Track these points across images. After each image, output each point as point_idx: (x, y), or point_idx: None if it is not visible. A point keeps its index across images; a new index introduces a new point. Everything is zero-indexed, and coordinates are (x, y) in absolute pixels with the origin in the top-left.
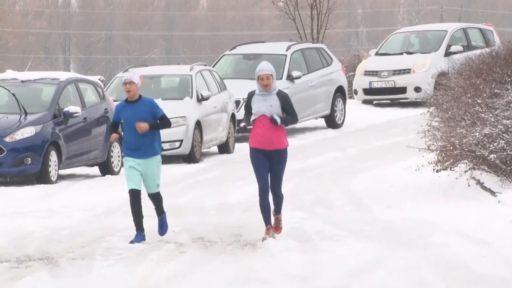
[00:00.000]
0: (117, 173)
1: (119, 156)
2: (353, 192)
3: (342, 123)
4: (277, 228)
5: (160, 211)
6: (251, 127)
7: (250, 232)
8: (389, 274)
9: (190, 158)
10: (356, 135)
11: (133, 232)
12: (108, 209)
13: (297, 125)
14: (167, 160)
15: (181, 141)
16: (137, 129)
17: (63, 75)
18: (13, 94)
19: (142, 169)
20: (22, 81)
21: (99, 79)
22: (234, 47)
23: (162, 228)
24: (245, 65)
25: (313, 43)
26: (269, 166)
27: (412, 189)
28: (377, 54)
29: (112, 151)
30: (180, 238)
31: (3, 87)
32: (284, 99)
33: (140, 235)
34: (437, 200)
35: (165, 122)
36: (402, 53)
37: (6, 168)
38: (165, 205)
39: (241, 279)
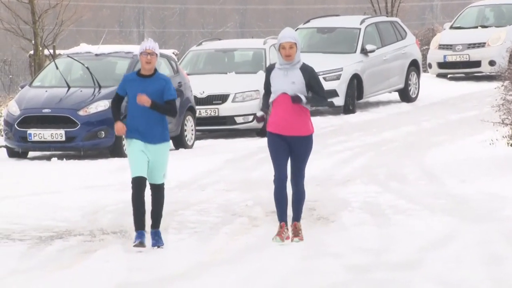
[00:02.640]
0: (190, 146)
1: (192, 130)
2: (426, 166)
3: (416, 97)
4: (297, 236)
5: (156, 221)
6: (267, 116)
7: (323, 207)
8: (463, 248)
9: (264, 132)
10: (430, 109)
11: (206, 206)
12: (181, 183)
13: (371, 99)
14: (240, 134)
15: (254, 114)
16: (137, 99)
17: (136, 48)
18: (87, 67)
19: (151, 155)
20: (96, 55)
21: (173, 53)
22: (308, 21)
23: (158, 241)
24: (319, 38)
25: (387, 16)
26: (290, 155)
27: (486, 163)
28: (451, 27)
29: (186, 125)
30: (253, 212)
31: (77, 61)
32: (310, 74)
33: (142, 234)
34: (511, 174)
35: (171, 108)
36: (476, 27)
37: (79, 142)
38: (239, 179)
39: (313, 253)
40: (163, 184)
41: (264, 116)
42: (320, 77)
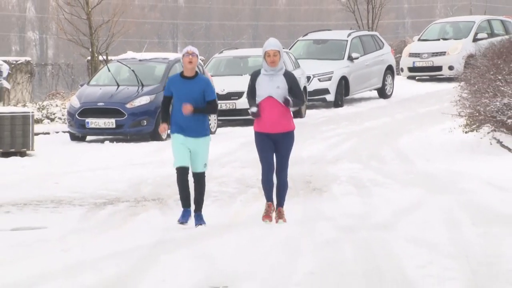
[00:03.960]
0: (214, 132)
1: (215, 120)
2: (399, 149)
3: (391, 94)
4: (281, 218)
5: (199, 205)
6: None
7: (318, 180)
8: (428, 213)
9: None
10: (402, 104)
11: (226, 179)
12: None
13: (356, 96)
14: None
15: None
16: (182, 110)
17: (171, 56)
18: (132, 70)
19: (192, 147)
20: (140, 60)
21: (200, 59)
22: (306, 34)
23: (199, 222)
24: (315, 48)
25: (368, 31)
26: (275, 149)
27: (446, 146)
28: (419, 40)
29: (210, 116)
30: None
31: (125, 65)
32: (292, 80)
33: (187, 213)
34: (465, 155)
35: (212, 108)
36: (439, 39)
37: (127, 129)
38: (251, 158)
39: (310, 217)
40: (203, 173)
41: (258, 111)
42: (315, 78)
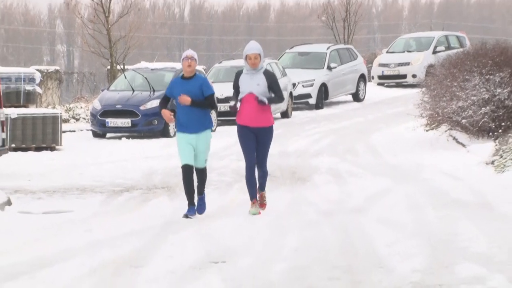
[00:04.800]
0: (214, 130)
1: (215, 120)
2: (371, 144)
3: (364, 98)
4: (262, 204)
5: (201, 190)
6: (238, 107)
7: (302, 171)
8: (395, 199)
9: None
10: (373, 106)
11: (224, 170)
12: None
13: (333, 99)
14: None
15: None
16: (178, 100)
17: (178, 65)
18: (145, 77)
19: (194, 143)
20: (151, 69)
21: (202, 68)
22: (292, 47)
23: (201, 207)
24: (299, 59)
25: (344, 44)
26: (256, 142)
27: (410, 142)
28: (387, 52)
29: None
30: None
31: (139, 73)
32: (271, 78)
33: (192, 209)
34: (426, 150)
35: (210, 102)
36: (404, 52)
37: (140, 127)
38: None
39: (295, 202)
40: (205, 168)
41: (236, 106)
42: (300, 85)
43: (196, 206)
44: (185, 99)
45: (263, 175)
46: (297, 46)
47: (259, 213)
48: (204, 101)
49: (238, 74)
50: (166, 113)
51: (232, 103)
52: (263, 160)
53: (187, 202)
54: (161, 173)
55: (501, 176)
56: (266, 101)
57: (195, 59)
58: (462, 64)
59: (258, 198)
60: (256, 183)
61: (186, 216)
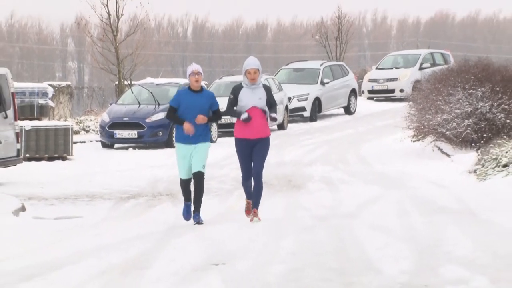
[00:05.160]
0: (215, 141)
1: (216, 131)
2: (361, 154)
3: (355, 111)
4: (255, 216)
5: (197, 206)
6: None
7: (297, 179)
8: (384, 205)
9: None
10: (363, 119)
11: (224, 178)
12: (208, 164)
13: (326, 112)
14: None
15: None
16: (196, 120)
17: (182, 81)
18: (151, 92)
19: (193, 152)
20: (156, 84)
21: (205, 83)
22: (288, 64)
23: (198, 220)
24: (294, 75)
25: (336, 61)
26: (253, 152)
27: (398, 152)
28: (377, 68)
29: (212, 128)
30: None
31: (145, 88)
32: (269, 92)
33: (188, 208)
34: (413, 159)
35: (218, 115)
36: (392, 68)
37: (146, 138)
38: None
39: (291, 207)
40: (202, 173)
41: (249, 115)
42: (295, 99)
43: (194, 216)
44: (202, 119)
45: (259, 190)
46: (293, 63)
47: (251, 220)
48: (213, 116)
49: (237, 88)
50: (188, 126)
51: (245, 115)
52: (260, 171)
53: (184, 202)
54: (165, 181)
55: (483, 184)
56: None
57: (201, 73)
58: (446, 80)
59: (252, 210)
60: (251, 186)
61: (186, 219)
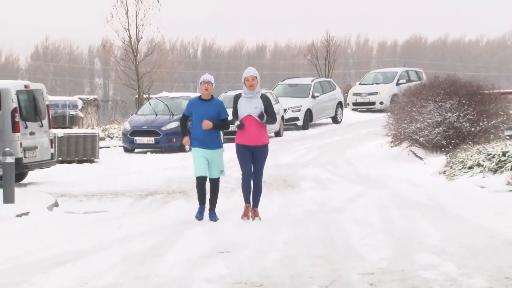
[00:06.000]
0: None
1: (222, 137)
2: (347, 158)
3: (341, 121)
4: (255, 216)
5: (213, 204)
6: (242, 124)
7: (292, 179)
8: (367, 202)
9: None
10: (348, 127)
11: (228, 178)
12: None
13: (317, 122)
14: None
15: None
16: (202, 126)
17: (192, 94)
18: (166, 104)
19: (209, 157)
20: (171, 97)
21: None
22: (284, 80)
23: (212, 217)
24: (289, 89)
25: (325, 78)
26: (253, 158)
27: (378, 156)
28: (360, 84)
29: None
30: None
31: (161, 100)
32: (267, 102)
33: (202, 209)
34: (391, 162)
35: (225, 124)
36: (373, 84)
37: (162, 144)
38: None
39: (287, 204)
40: (218, 178)
41: (242, 124)
42: (290, 110)
43: (208, 212)
44: (208, 125)
45: (258, 191)
46: (288, 79)
47: (248, 218)
48: (221, 124)
49: (237, 97)
50: (185, 140)
51: (237, 123)
52: (259, 174)
53: (198, 205)
54: (178, 180)
55: (451, 183)
56: (265, 116)
57: (212, 83)
58: (419, 94)
59: (251, 212)
60: (251, 189)
61: (198, 219)
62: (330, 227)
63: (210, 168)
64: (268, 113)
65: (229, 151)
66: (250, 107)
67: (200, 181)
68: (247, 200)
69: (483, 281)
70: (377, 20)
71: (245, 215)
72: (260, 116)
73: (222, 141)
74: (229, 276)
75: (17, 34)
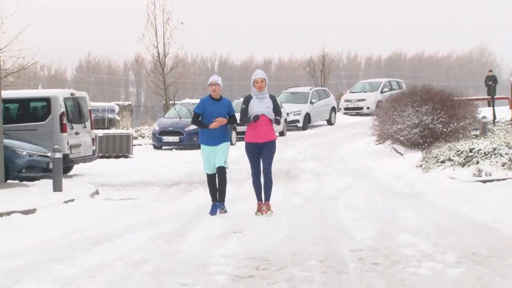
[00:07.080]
0: (234, 144)
1: (235, 136)
2: (340, 154)
3: (334, 123)
4: (268, 210)
5: (222, 196)
6: (255, 118)
7: (293, 172)
8: (357, 192)
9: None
10: (341, 129)
11: (240, 171)
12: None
13: (314, 123)
14: None
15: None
16: (217, 121)
17: None
18: (188, 109)
19: (214, 151)
20: (192, 103)
21: None
22: (286, 89)
23: (223, 209)
24: (291, 96)
25: (321, 87)
26: (262, 154)
27: (365, 152)
28: (350, 92)
29: (232, 134)
30: None
31: (184, 106)
32: (275, 102)
33: (215, 207)
34: (376, 158)
35: (234, 120)
36: (361, 92)
37: (185, 142)
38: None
39: (288, 193)
40: (224, 168)
41: (257, 116)
42: (291, 113)
43: (219, 205)
44: (223, 121)
45: (269, 184)
46: (290, 88)
47: (262, 214)
48: (230, 119)
49: (248, 98)
50: (215, 123)
51: (253, 115)
52: (269, 168)
53: (211, 201)
54: (198, 172)
55: (427, 175)
56: (281, 120)
57: (219, 84)
58: (400, 100)
59: (264, 204)
60: (261, 186)
61: (211, 214)
62: (325, 212)
63: (216, 157)
64: (276, 111)
65: (241, 148)
66: (262, 106)
67: (211, 177)
68: (259, 198)
69: (454, 256)
70: (365, 39)
71: (258, 211)
72: (277, 121)
73: (233, 141)
74: (241, 253)
75: (65, 51)
